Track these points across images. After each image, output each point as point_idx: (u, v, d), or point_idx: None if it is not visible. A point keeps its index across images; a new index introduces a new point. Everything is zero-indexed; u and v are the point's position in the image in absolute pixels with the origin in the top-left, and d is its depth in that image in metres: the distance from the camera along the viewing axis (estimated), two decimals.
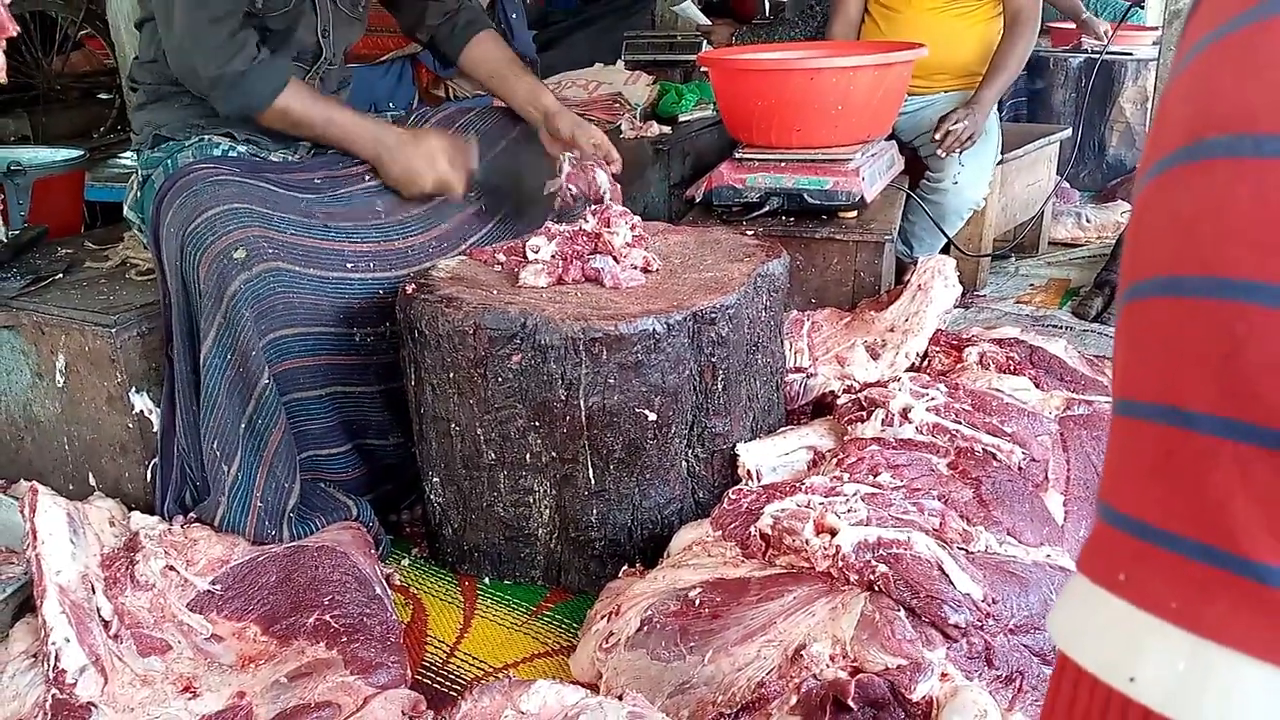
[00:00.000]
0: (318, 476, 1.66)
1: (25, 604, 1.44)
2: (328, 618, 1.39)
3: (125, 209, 1.78)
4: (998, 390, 1.67)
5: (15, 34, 1.20)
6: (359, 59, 2.87)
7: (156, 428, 1.61)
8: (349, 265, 1.64)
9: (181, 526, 1.51)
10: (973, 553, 1.29)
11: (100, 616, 1.34)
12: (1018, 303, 2.83)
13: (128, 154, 3.05)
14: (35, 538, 1.39)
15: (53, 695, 1.25)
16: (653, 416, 1.45)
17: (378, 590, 1.47)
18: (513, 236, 1.85)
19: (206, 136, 1.71)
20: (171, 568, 1.42)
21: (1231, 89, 0.34)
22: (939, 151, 2.52)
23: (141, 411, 1.60)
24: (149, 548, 1.42)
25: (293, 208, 1.61)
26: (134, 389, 1.59)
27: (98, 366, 1.59)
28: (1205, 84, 0.36)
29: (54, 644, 1.27)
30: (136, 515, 1.53)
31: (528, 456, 1.50)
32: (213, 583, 1.44)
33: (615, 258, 1.59)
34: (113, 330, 1.55)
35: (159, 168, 1.71)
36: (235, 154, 1.71)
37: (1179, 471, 0.35)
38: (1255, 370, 0.32)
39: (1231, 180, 0.33)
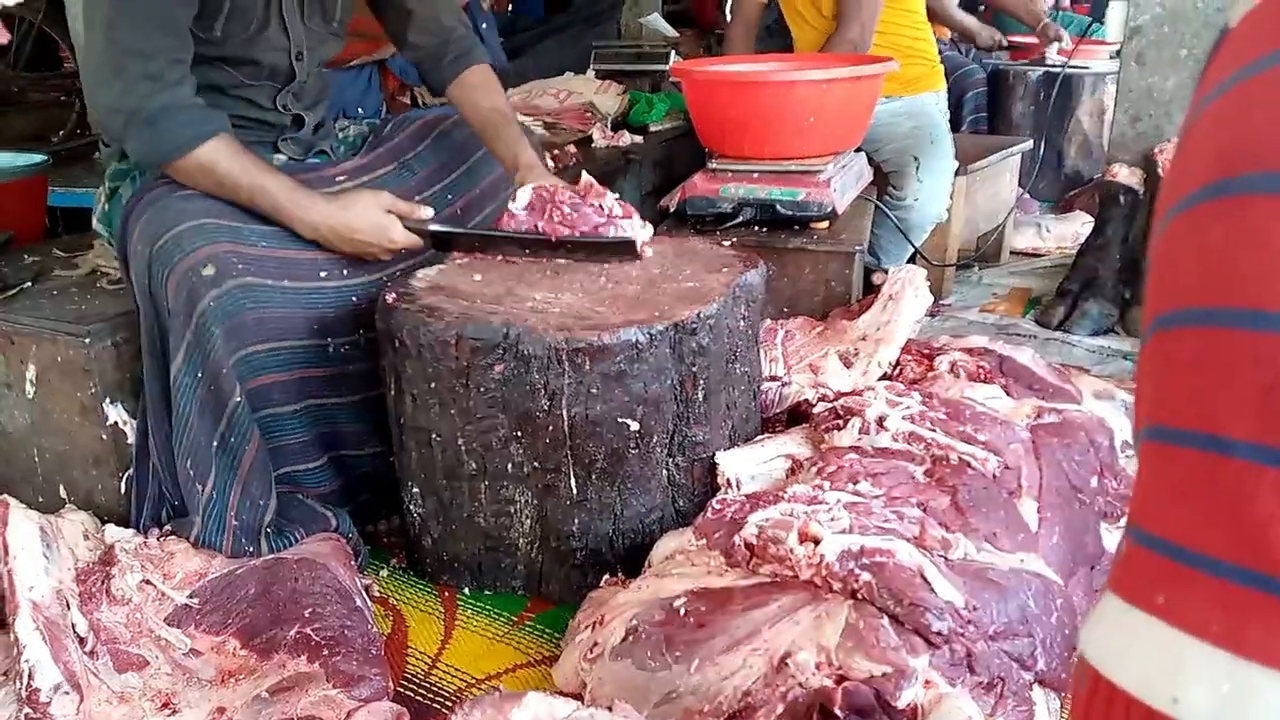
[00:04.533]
0: (295, 490, 1.65)
1: None
2: (308, 630, 1.38)
3: (94, 221, 1.75)
4: (970, 399, 1.70)
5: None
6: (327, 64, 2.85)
7: (131, 440, 1.59)
8: (322, 274, 1.63)
9: (158, 539, 1.49)
10: (952, 560, 1.31)
11: (75, 633, 1.32)
12: (982, 311, 2.89)
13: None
14: (6, 552, 1.37)
15: (25, 715, 1.22)
16: (635, 426, 1.46)
17: (358, 602, 1.46)
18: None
19: None
20: (148, 582, 1.40)
21: (1263, 126, 0.35)
22: None
23: (116, 423, 1.57)
24: (125, 561, 1.40)
25: (263, 218, 1.59)
26: (108, 400, 1.56)
27: (70, 377, 1.56)
28: (1235, 120, 0.37)
29: (27, 662, 1.25)
30: (111, 528, 1.50)
31: (509, 466, 1.50)
32: (190, 596, 1.42)
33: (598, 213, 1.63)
34: (86, 340, 1.53)
35: (126, 180, 1.68)
36: None
37: (1218, 497, 0.36)
38: None
39: (1268, 215, 0.34)
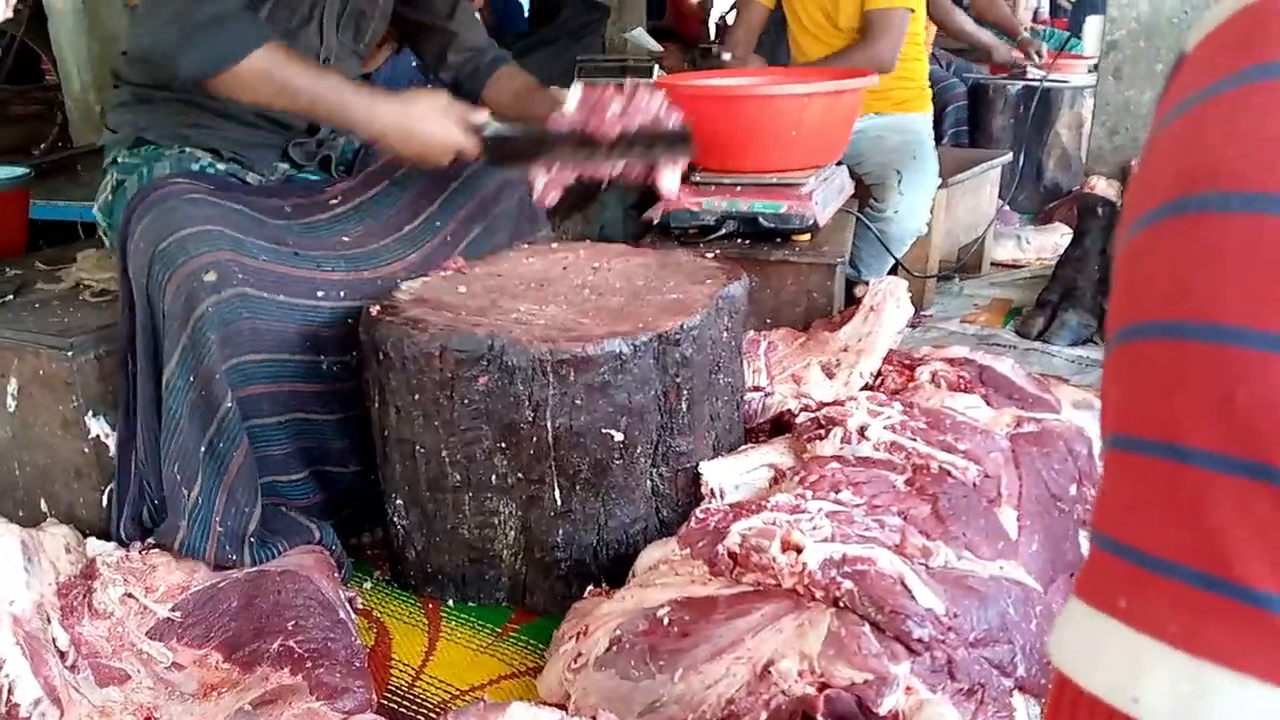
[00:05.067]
0: (278, 502, 1.64)
1: None
2: (291, 643, 1.38)
3: (95, 208, 1.76)
4: (950, 409, 1.72)
5: None
6: None
7: (113, 453, 1.58)
8: (319, 294, 1.63)
9: (140, 552, 1.49)
10: (932, 568, 1.32)
11: (56, 647, 1.31)
12: (963, 322, 2.91)
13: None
14: None
15: None
16: (619, 437, 1.47)
17: (341, 614, 1.46)
18: (480, 257, 1.86)
19: (189, 149, 1.70)
20: (130, 595, 1.39)
21: (1220, 147, 0.37)
22: None
23: (98, 436, 1.57)
24: (107, 575, 1.39)
25: (264, 233, 1.60)
26: (90, 413, 1.56)
27: (52, 390, 1.56)
28: (1194, 141, 0.39)
29: (7, 676, 1.24)
30: (93, 541, 1.50)
31: (493, 478, 1.51)
32: (173, 610, 1.41)
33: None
34: (69, 354, 1.53)
35: (133, 175, 1.69)
36: (213, 171, 1.69)
37: (1178, 504, 0.37)
38: (1250, 410, 0.35)
39: (1224, 233, 0.36)
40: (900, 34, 2.67)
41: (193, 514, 1.50)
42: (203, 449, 1.50)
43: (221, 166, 1.72)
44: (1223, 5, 0.41)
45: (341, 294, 1.66)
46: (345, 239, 1.74)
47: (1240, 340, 0.35)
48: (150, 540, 1.53)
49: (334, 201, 1.78)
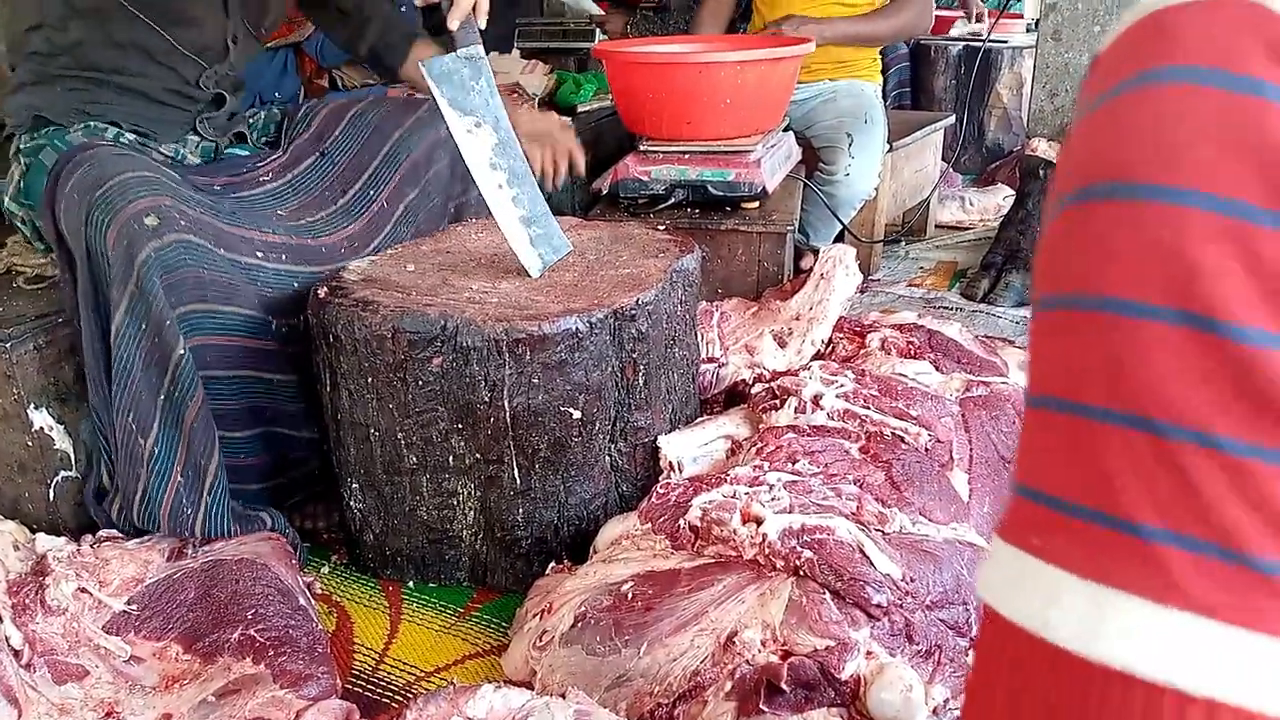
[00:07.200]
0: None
1: None
2: (252, 632, 1.37)
3: (5, 200, 1.69)
4: (901, 375, 1.75)
5: None
6: None
7: (58, 445, 1.54)
8: (260, 254, 1.61)
9: (91, 546, 1.46)
10: (889, 533, 1.35)
11: (9, 646, 1.28)
12: (910, 285, 2.95)
13: None
14: None
15: None
16: (577, 414, 1.47)
17: (301, 601, 1.45)
18: (418, 234, 1.84)
19: (93, 123, 1.65)
20: (84, 590, 1.37)
21: (1112, 144, 0.43)
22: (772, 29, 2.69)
23: (41, 429, 1.53)
24: (58, 570, 1.36)
25: (196, 197, 1.57)
26: (32, 405, 1.51)
27: None
28: (1094, 138, 0.45)
29: None
30: (42, 537, 1.46)
31: (451, 459, 1.50)
32: (128, 603, 1.39)
33: None
34: (7, 345, 1.48)
35: (44, 150, 1.63)
36: (125, 142, 1.65)
37: (1079, 453, 0.43)
38: (1133, 370, 0.41)
39: (1113, 218, 0.42)
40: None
41: (151, 462, 1.47)
42: (161, 397, 1.46)
43: (130, 137, 1.67)
44: (1130, 11, 0.46)
45: (284, 256, 1.64)
46: (281, 212, 1.72)
47: (1124, 311, 0.41)
48: (101, 533, 1.50)
49: (265, 178, 1.76)
